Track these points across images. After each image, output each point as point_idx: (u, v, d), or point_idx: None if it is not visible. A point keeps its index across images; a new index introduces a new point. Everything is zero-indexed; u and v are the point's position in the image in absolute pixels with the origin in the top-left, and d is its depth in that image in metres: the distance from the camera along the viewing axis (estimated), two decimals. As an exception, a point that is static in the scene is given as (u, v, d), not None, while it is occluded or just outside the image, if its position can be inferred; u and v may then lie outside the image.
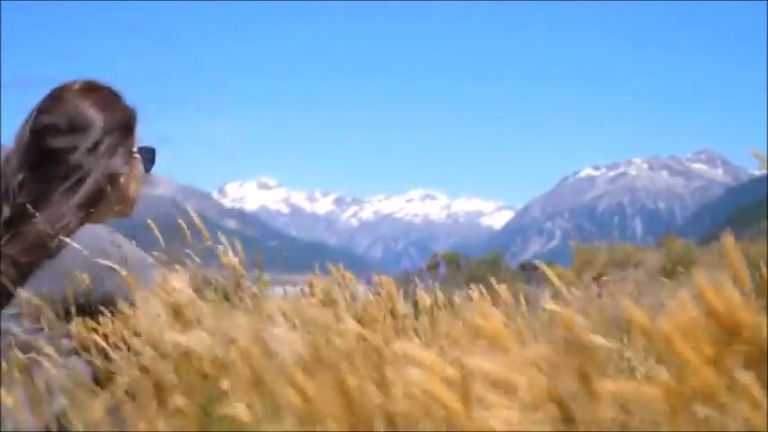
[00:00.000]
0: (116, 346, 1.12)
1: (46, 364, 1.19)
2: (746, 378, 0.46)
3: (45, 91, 1.66)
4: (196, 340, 0.70)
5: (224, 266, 1.36)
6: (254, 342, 0.65)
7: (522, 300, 1.38)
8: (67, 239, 1.48)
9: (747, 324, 0.46)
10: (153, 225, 1.55)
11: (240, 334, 0.66)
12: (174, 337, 0.71)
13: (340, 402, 0.56)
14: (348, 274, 1.38)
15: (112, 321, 1.23)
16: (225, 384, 0.64)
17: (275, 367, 0.62)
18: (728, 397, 0.46)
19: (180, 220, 1.48)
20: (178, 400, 0.65)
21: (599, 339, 0.55)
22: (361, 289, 1.37)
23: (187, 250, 1.45)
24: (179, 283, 1.00)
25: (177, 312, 0.92)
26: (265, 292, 1.35)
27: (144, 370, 0.83)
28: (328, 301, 1.24)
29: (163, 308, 0.98)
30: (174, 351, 0.75)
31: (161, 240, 1.53)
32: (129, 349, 1.11)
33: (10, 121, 1.70)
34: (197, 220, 1.46)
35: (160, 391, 0.70)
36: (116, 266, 1.39)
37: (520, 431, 0.50)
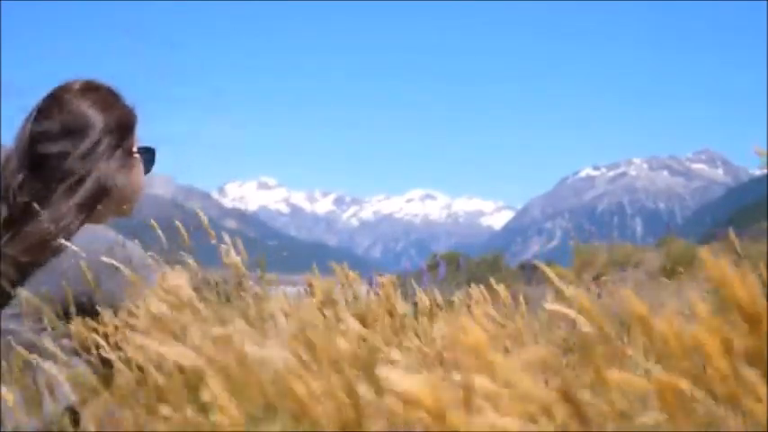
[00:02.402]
0: (117, 347, 1.12)
1: (47, 364, 1.19)
2: (751, 375, 0.45)
3: (45, 91, 1.66)
4: (178, 354, 0.69)
5: (226, 266, 1.35)
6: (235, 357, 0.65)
7: (522, 300, 1.38)
8: (68, 239, 1.48)
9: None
10: (152, 225, 1.55)
11: (221, 348, 0.66)
12: (155, 347, 0.71)
13: (333, 405, 0.55)
14: (351, 274, 1.37)
15: (113, 322, 1.23)
16: (206, 395, 0.64)
17: (267, 374, 0.62)
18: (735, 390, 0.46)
19: (178, 221, 1.47)
20: (164, 410, 0.65)
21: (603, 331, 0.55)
22: (363, 289, 1.36)
23: (182, 252, 1.45)
24: (179, 281, 1.00)
25: (179, 309, 0.92)
26: (267, 292, 1.34)
27: (139, 374, 0.83)
28: (328, 302, 1.23)
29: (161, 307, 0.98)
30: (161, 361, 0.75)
31: (162, 240, 1.53)
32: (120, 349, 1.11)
33: (10, 122, 1.70)
34: (203, 219, 1.45)
35: (156, 395, 0.70)
36: (116, 266, 1.39)
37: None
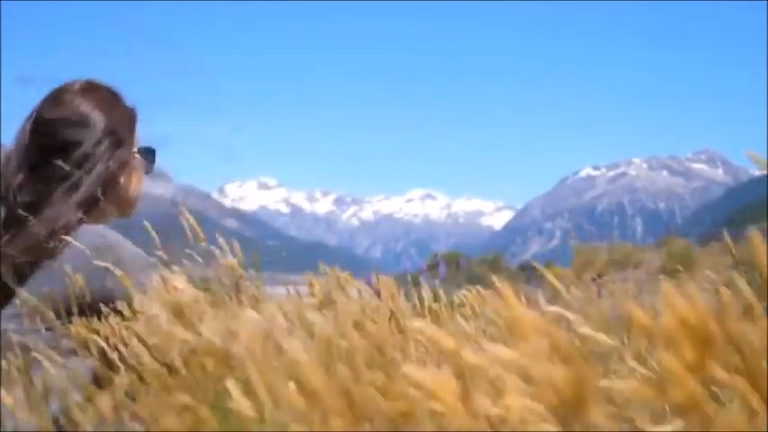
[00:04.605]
0: (116, 348, 1.12)
1: (45, 364, 1.19)
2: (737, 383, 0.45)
3: (45, 91, 1.66)
4: (201, 337, 0.70)
5: (221, 267, 1.35)
6: (261, 339, 0.65)
7: (523, 299, 1.38)
8: (68, 239, 1.48)
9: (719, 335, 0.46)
10: (152, 225, 1.55)
11: (244, 330, 0.66)
12: (180, 334, 0.71)
13: (343, 401, 0.56)
14: (344, 274, 1.37)
15: (113, 321, 1.23)
16: (229, 383, 0.64)
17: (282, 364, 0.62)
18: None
19: (185, 217, 1.47)
20: (183, 398, 0.65)
21: (601, 337, 0.55)
22: (355, 290, 1.36)
23: (187, 250, 1.45)
24: (179, 282, 1.00)
25: (179, 312, 0.92)
26: (263, 293, 1.34)
27: (145, 369, 0.83)
28: (327, 302, 1.23)
29: (163, 308, 0.98)
30: (180, 348, 0.75)
31: (157, 240, 1.53)
32: (126, 347, 1.11)
33: (10, 121, 1.70)
34: (192, 221, 1.45)
35: (164, 388, 0.70)
36: (116, 266, 1.39)
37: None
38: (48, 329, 1.40)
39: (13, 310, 1.45)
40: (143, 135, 1.73)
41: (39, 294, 1.41)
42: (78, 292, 1.41)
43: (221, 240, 1.35)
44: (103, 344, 1.15)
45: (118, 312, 1.24)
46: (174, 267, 1.29)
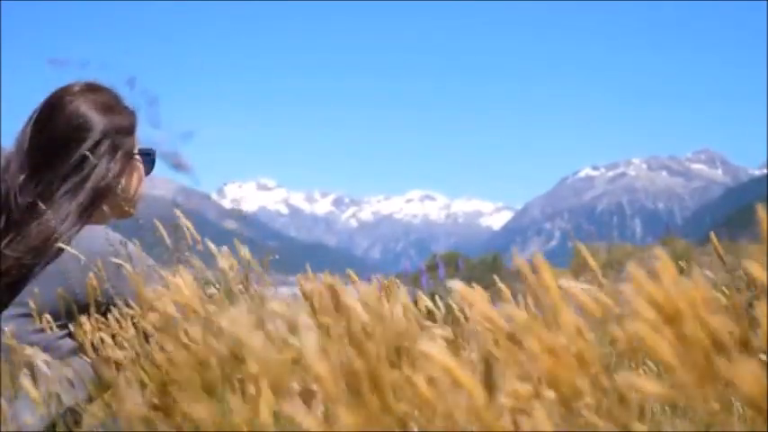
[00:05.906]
0: (121, 346, 1.13)
1: (46, 364, 1.20)
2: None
3: (46, 92, 1.66)
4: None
5: (224, 268, 1.35)
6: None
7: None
8: (69, 240, 1.48)
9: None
10: (156, 225, 1.56)
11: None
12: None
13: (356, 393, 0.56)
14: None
15: (117, 321, 1.24)
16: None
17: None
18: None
19: (180, 220, 1.48)
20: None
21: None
22: (352, 291, 1.36)
23: (186, 252, 1.46)
24: (184, 281, 1.01)
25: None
26: (267, 293, 1.35)
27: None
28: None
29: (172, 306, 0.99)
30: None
31: (167, 240, 1.53)
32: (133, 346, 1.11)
33: (10, 123, 1.70)
34: (188, 224, 1.45)
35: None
36: (119, 266, 1.40)
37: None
38: (50, 330, 1.40)
39: (16, 310, 1.45)
40: (142, 136, 1.73)
41: (41, 295, 1.41)
42: (82, 292, 1.42)
43: (225, 248, 1.36)
44: (111, 342, 1.15)
45: (120, 312, 1.25)
46: (179, 267, 1.29)
